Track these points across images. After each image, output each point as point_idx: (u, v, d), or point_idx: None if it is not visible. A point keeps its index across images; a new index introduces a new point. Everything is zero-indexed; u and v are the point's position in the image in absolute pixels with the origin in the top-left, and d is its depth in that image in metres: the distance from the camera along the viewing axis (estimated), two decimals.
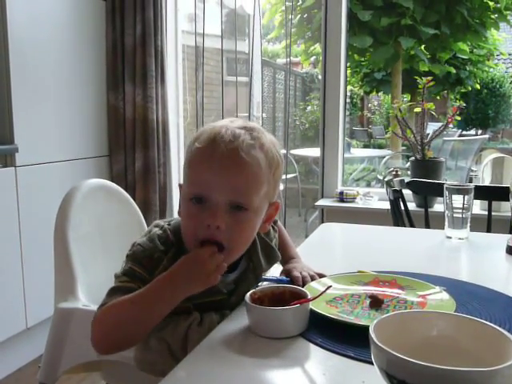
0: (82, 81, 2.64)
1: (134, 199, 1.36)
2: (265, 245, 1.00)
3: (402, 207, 2.04)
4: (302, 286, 0.93)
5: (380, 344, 0.60)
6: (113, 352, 0.87)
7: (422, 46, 7.84)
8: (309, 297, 0.85)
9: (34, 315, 2.30)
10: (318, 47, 7.85)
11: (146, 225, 1.31)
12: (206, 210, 0.84)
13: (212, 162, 0.83)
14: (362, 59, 8.74)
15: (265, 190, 0.88)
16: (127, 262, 0.90)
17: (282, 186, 4.38)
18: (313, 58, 8.82)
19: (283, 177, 4.14)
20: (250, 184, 0.85)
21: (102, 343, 0.85)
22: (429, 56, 8.00)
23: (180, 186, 0.92)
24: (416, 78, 2.58)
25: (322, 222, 2.64)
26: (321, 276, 1.01)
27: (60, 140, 2.50)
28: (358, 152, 6.67)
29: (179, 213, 0.91)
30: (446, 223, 1.45)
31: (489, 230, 1.87)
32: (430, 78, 2.51)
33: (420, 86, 2.51)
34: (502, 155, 2.52)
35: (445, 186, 1.44)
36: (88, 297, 1.07)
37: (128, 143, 2.82)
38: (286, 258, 1.09)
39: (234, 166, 0.83)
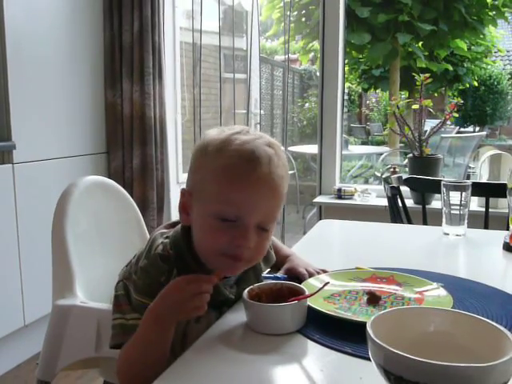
0: (79, 77, 2.63)
1: (132, 196, 1.36)
2: None
3: (400, 204, 2.04)
4: (300, 283, 0.93)
5: (377, 340, 0.60)
6: None
7: (420, 43, 7.84)
8: (306, 293, 0.85)
9: (31, 312, 2.30)
10: (316, 44, 7.84)
11: (143, 222, 1.31)
12: (235, 228, 0.82)
13: (249, 184, 0.81)
14: (360, 56, 8.74)
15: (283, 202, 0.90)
16: (135, 292, 0.87)
17: None
18: (311, 55, 8.81)
19: None
20: (279, 208, 0.86)
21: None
22: (426, 53, 8.00)
23: (186, 192, 0.88)
24: (414, 74, 2.58)
25: (320, 219, 2.64)
26: (324, 272, 1.02)
27: (58, 137, 2.50)
28: (356, 149, 6.67)
29: (185, 221, 0.88)
30: (444, 220, 1.45)
31: (486, 227, 1.88)
32: (427, 74, 2.51)
33: (418, 83, 2.51)
34: (500, 152, 2.52)
35: (442, 182, 1.45)
36: (86, 294, 1.07)
37: (126, 140, 2.82)
38: (282, 257, 1.09)
39: (269, 191, 0.83)
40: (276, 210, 0.86)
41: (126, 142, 2.82)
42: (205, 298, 0.80)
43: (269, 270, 1.05)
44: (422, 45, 7.89)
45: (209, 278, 0.82)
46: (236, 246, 0.82)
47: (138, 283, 0.87)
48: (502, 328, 0.64)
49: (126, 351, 0.84)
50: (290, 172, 5.20)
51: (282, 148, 0.92)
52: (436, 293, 0.93)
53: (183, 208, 0.88)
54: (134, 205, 1.31)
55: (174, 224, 0.96)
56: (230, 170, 0.81)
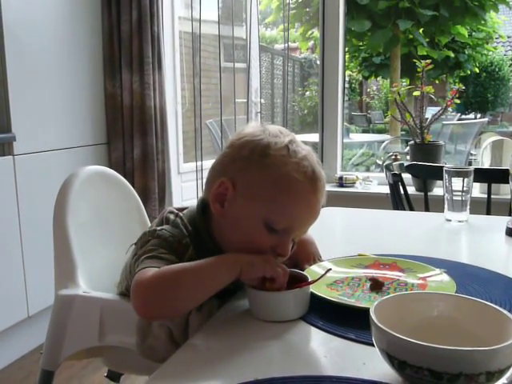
0: (78, 68, 2.62)
1: (133, 187, 1.36)
2: None
3: (402, 191, 2.04)
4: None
5: (381, 325, 0.60)
6: (156, 317, 0.83)
7: (421, 30, 7.78)
8: (309, 280, 0.85)
9: (35, 303, 2.31)
10: (316, 32, 7.79)
11: (145, 211, 1.31)
12: (278, 237, 0.86)
13: (310, 204, 0.87)
14: (361, 43, 8.69)
15: None
16: (155, 246, 0.85)
17: None
18: (311, 43, 8.76)
19: None
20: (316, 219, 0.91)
21: (150, 305, 0.79)
22: (427, 40, 7.95)
23: (228, 183, 0.86)
24: (415, 61, 2.57)
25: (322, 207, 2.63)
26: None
27: (58, 128, 2.49)
28: (357, 137, 6.65)
29: (221, 214, 0.87)
30: (446, 206, 1.45)
31: (488, 213, 1.88)
32: (428, 61, 2.49)
33: (419, 70, 2.50)
34: (502, 138, 2.51)
35: (444, 168, 1.44)
36: (88, 283, 1.07)
37: (126, 130, 2.81)
38: None
39: (317, 212, 0.89)
40: (311, 225, 0.91)
41: (127, 133, 2.81)
42: (282, 277, 0.81)
43: None
44: (423, 31, 7.83)
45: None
46: (276, 254, 0.86)
47: (161, 243, 0.85)
48: (505, 312, 0.64)
49: (169, 271, 0.79)
50: None
51: None
52: (439, 278, 0.93)
53: (218, 198, 0.87)
54: (136, 194, 1.30)
55: (180, 209, 0.96)
56: (293, 184, 0.84)
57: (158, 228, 0.89)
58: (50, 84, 2.44)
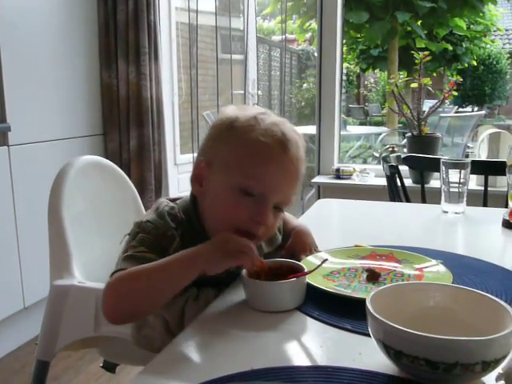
0: (74, 58, 2.60)
1: (130, 178, 1.35)
2: None
3: (399, 183, 2.04)
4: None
5: (377, 315, 0.60)
6: (123, 321, 0.84)
7: (419, 22, 7.76)
8: (305, 271, 0.85)
9: (31, 294, 2.31)
10: (313, 24, 7.76)
11: (141, 201, 1.30)
12: (256, 205, 0.84)
13: (278, 164, 0.85)
14: (358, 35, 8.65)
15: None
16: (138, 242, 0.86)
17: None
18: (308, 35, 8.72)
19: None
20: (296, 190, 0.90)
21: (114, 311, 0.81)
22: (425, 32, 7.92)
23: (203, 162, 0.88)
24: (413, 52, 2.56)
25: (319, 199, 2.63)
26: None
27: (53, 119, 2.48)
28: (355, 129, 6.64)
29: (198, 192, 0.89)
30: (443, 198, 1.45)
31: (485, 205, 1.88)
32: (426, 52, 2.48)
33: (417, 61, 2.49)
34: (499, 130, 2.51)
35: (441, 160, 1.44)
36: (83, 274, 1.06)
37: (122, 121, 2.79)
38: (288, 229, 1.08)
39: (294, 174, 0.88)
40: (294, 192, 0.89)
41: (123, 123, 2.80)
42: (251, 249, 0.80)
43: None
44: (421, 24, 7.81)
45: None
46: (255, 222, 0.85)
47: (145, 238, 0.86)
48: (501, 302, 0.64)
49: (136, 275, 0.79)
50: None
51: None
52: (435, 269, 0.93)
53: (197, 178, 0.89)
54: (131, 185, 1.30)
55: (174, 199, 0.96)
56: (261, 146, 0.84)
57: (144, 220, 0.89)
58: (45, 74, 2.42)
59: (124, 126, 2.80)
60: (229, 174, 0.85)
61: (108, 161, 1.28)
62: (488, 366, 0.56)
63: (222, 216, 0.87)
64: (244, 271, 0.85)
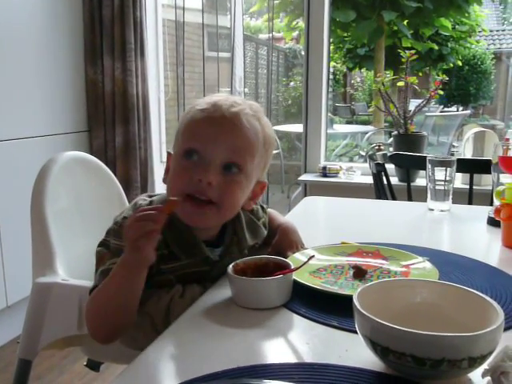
0: (58, 54, 2.56)
1: (115, 175, 1.33)
2: (250, 221, 1.00)
3: (385, 181, 2.04)
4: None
5: (364, 311, 0.60)
6: (112, 338, 0.85)
7: (405, 22, 7.80)
8: (292, 267, 0.84)
9: (14, 293, 2.27)
10: (300, 22, 7.76)
11: (126, 198, 1.29)
12: (200, 166, 0.84)
13: (213, 119, 0.85)
14: (345, 34, 8.67)
15: (257, 160, 0.90)
16: (113, 237, 0.87)
17: None
18: (295, 34, 8.72)
19: None
20: (247, 147, 0.87)
21: (98, 334, 0.85)
22: (411, 32, 7.97)
23: (169, 153, 0.93)
24: (399, 51, 2.57)
25: (305, 197, 2.63)
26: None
27: (37, 115, 2.44)
28: (341, 128, 6.65)
29: (164, 180, 0.91)
30: (429, 195, 1.45)
31: (470, 203, 1.89)
32: (413, 51, 2.50)
33: (403, 60, 2.50)
34: (484, 129, 2.53)
35: (428, 158, 1.44)
36: (67, 271, 1.05)
37: (108, 118, 2.76)
38: (274, 226, 1.08)
39: (235, 127, 0.86)
40: (245, 148, 0.87)
41: (108, 120, 2.77)
42: (144, 229, 0.77)
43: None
44: (407, 23, 7.84)
45: (156, 207, 0.80)
46: (197, 181, 0.83)
47: (120, 230, 0.87)
48: (488, 298, 0.64)
49: (96, 293, 0.83)
50: (275, 151, 5.17)
51: (267, 119, 0.94)
52: (422, 266, 0.93)
53: (166, 170, 0.92)
54: (116, 181, 1.28)
55: (151, 195, 0.96)
56: (197, 113, 0.87)
57: (122, 216, 0.89)
58: (28, 70, 2.39)
59: (109, 122, 2.77)
60: (176, 150, 0.89)
61: (92, 157, 1.27)
62: (474, 361, 0.56)
63: (172, 186, 0.88)
64: (230, 268, 0.84)
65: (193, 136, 0.87)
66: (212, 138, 0.85)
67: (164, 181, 0.91)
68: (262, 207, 1.07)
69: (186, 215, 0.86)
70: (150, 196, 0.95)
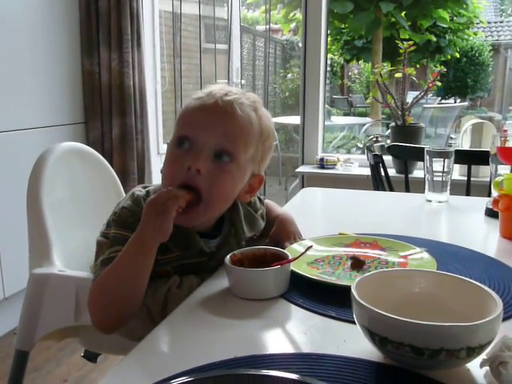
0: (54, 45, 2.54)
1: (112, 167, 1.33)
2: (248, 213, 1.00)
3: (383, 173, 2.04)
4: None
5: (362, 301, 0.60)
6: (116, 327, 0.84)
7: (403, 13, 7.77)
8: (290, 258, 0.84)
9: (11, 285, 2.27)
10: (298, 14, 7.72)
11: (122, 189, 1.28)
12: (190, 153, 0.84)
13: (206, 106, 0.85)
14: (343, 26, 8.64)
15: (252, 152, 0.88)
16: (114, 227, 0.87)
17: None
18: (293, 25, 8.68)
19: None
20: (239, 135, 0.86)
21: (102, 323, 0.84)
22: (409, 23, 7.94)
23: (169, 144, 0.92)
24: (397, 42, 2.55)
25: (303, 188, 2.63)
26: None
27: (33, 106, 2.43)
28: (338, 120, 6.64)
29: (161, 170, 0.90)
30: (427, 187, 1.45)
31: (468, 194, 1.89)
32: (411, 42, 2.48)
33: (401, 51, 2.49)
34: (482, 121, 2.52)
35: (425, 149, 1.44)
36: (63, 262, 1.04)
37: (104, 109, 2.75)
38: (271, 218, 1.07)
39: (227, 114, 0.85)
40: (237, 135, 0.85)
41: (105, 112, 2.75)
42: (170, 193, 0.80)
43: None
44: (405, 15, 7.82)
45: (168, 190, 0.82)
46: (186, 168, 0.83)
47: (119, 220, 0.87)
48: (486, 288, 0.64)
49: (103, 277, 0.82)
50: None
51: (267, 112, 0.93)
52: (419, 256, 0.93)
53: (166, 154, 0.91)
54: (113, 172, 1.27)
55: (148, 186, 0.95)
56: (192, 102, 0.87)
57: (120, 206, 0.89)
58: (25, 61, 2.37)
59: (106, 114, 2.75)
60: (173, 133, 0.89)
61: (89, 148, 1.26)
62: (473, 351, 0.56)
63: (164, 175, 0.87)
64: (227, 259, 0.84)
65: (185, 123, 0.87)
66: (203, 125, 0.84)
67: (161, 171, 0.91)
68: (260, 199, 1.06)
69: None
70: (146, 187, 0.95)
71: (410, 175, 2.12)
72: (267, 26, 4.56)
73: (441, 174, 1.42)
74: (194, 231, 0.90)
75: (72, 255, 1.09)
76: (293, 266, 0.84)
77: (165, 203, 0.78)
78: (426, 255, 0.92)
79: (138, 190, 0.92)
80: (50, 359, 2.11)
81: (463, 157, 1.86)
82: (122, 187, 1.28)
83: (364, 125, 5.94)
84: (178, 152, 0.85)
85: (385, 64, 8.56)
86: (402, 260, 0.92)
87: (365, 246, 1.00)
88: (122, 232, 0.85)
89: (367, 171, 2.30)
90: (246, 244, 0.97)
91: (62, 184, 1.15)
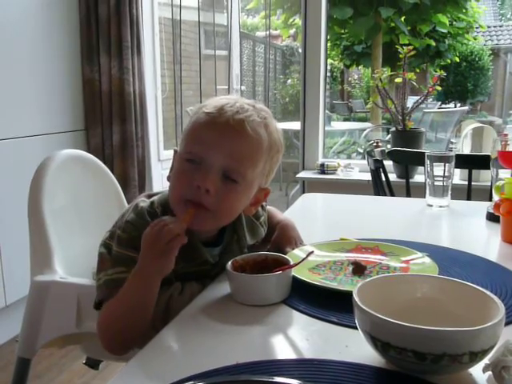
0: (55, 52, 2.55)
1: (113, 174, 1.33)
2: (250, 221, 1.00)
3: (383, 177, 2.04)
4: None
5: (364, 307, 0.59)
6: (127, 349, 0.84)
7: (402, 18, 7.80)
8: (291, 263, 0.84)
9: (12, 292, 2.27)
10: (297, 20, 7.74)
11: (123, 196, 1.28)
12: (199, 171, 0.83)
13: (217, 124, 0.83)
14: (342, 31, 8.67)
15: (260, 167, 0.88)
16: (117, 245, 0.86)
17: None
18: (292, 31, 8.71)
19: None
20: (249, 155, 0.85)
21: (112, 347, 0.85)
22: (409, 28, 7.96)
23: (175, 151, 0.91)
24: (397, 47, 2.56)
25: (304, 194, 2.63)
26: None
27: (34, 114, 2.43)
28: (339, 125, 6.65)
29: (168, 178, 0.89)
30: (427, 191, 1.45)
31: (469, 199, 1.89)
32: (411, 47, 2.49)
33: (401, 56, 2.49)
34: (482, 125, 2.52)
35: (426, 154, 1.44)
36: (65, 269, 1.04)
37: (105, 116, 2.76)
38: (273, 223, 1.07)
39: (237, 134, 0.84)
40: (246, 156, 0.85)
41: (105, 119, 2.76)
42: (172, 233, 0.79)
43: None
44: (405, 20, 7.84)
45: (174, 220, 0.81)
46: (196, 187, 0.82)
47: (123, 236, 0.86)
48: (488, 293, 0.63)
49: (109, 306, 0.82)
50: None
51: (276, 123, 0.93)
52: (421, 261, 0.93)
53: (171, 168, 0.90)
54: (114, 179, 1.27)
55: (152, 195, 0.95)
56: (203, 116, 0.85)
57: (124, 220, 0.88)
58: (25, 69, 2.38)
59: (107, 121, 2.76)
60: (180, 148, 0.88)
61: (90, 155, 1.26)
62: (475, 356, 0.56)
63: (173, 191, 0.87)
64: (229, 265, 0.84)
65: (195, 139, 0.85)
66: (213, 144, 0.83)
67: (168, 179, 0.90)
68: (262, 205, 1.06)
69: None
70: (150, 196, 0.94)
71: (410, 180, 2.12)
72: (267, 32, 4.57)
73: (441, 178, 1.43)
74: (199, 241, 0.90)
75: (73, 262, 1.09)
76: (294, 272, 0.84)
77: (168, 243, 0.78)
78: (427, 260, 0.92)
79: (142, 201, 0.91)
80: (51, 366, 2.10)
81: (464, 161, 1.86)
82: (122, 194, 1.28)
83: (364, 130, 5.94)
84: (186, 167, 0.84)
85: (385, 69, 8.57)
86: (403, 265, 0.92)
87: (366, 251, 1.00)
88: (125, 251, 0.85)
89: (368, 176, 2.30)
90: (248, 251, 0.97)
91: (63, 191, 1.16)
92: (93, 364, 1.24)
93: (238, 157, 0.84)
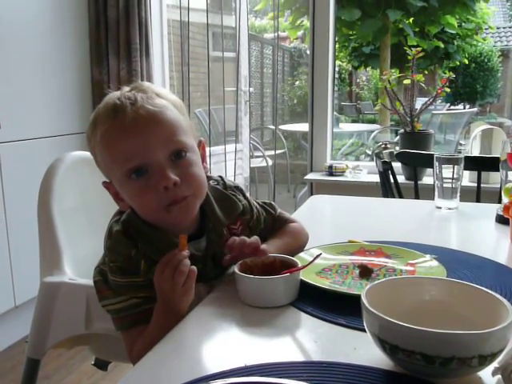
0: (64, 55, 2.57)
1: None
2: (219, 196, 0.96)
3: (392, 179, 2.03)
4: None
5: (372, 309, 0.59)
6: None
7: (411, 20, 7.77)
8: (299, 266, 0.84)
9: (22, 293, 2.28)
10: (305, 21, 7.74)
11: None
12: (153, 174, 0.81)
13: (127, 129, 0.81)
14: (351, 33, 8.65)
15: (187, 128, 0.87)
16: (111, 274, 0.86)
17: (270, 162, 4.35)
18: (300, 33, 8.71)
19: (271, 152, 4.12)
20: (174, 128, 0.84)
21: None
22: (417, 29, 7.93)
23: (107, 183, 0.89)
24: (405, 49, 2.55)
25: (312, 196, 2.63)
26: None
27: (43, 116, 2.45)
28: (347, 127, 6.63)
29: (124, 207, 0.89)
30: (436, 193, 1.44)
31: (478, 201, 1.87)
32: (419, 48, 2.48)
33: (409, 57, 2.48)
34: (491, 127, 2.51)
35: (435, 156, 1.43)
36: (74, 270, 1.05)
37: None
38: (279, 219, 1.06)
39: (149, 120, 0.82)
40: (173, 130, 0.83)
41: None
42: (185, 273, 0.78)
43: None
44: (413, 21, 7.81)
45: (175, 252, 0.80)
46: (163, 189, 0.81)
47: (112, 266, 0.86)
48: (497, 295, 0.63)
49: (143, 342, 0.81)
50: (281, 151, 5.16)
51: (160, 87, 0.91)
52: (428, 264, 0.92)
53: (116, 197, 0.89)
54: None
55: (121, 212, 0.93)
56: (107, 133, 0.82)
57: (106, 246, 0.88)
58: (35, 71, 2.40)
59: None
60: (117, 177, 0.84)
61: None
62: (485, 359, 0.55)
63: (144, 208, 0.85)
64: (236, 266, 0.84)
65: (124, 156, 0.81)
66: (140, 147, 0.81)
67: (124, 207, 0.89)
68: (237, 187, 1.02)
69: (176, 219, 0.85)
70: (118, 219, 0.91)
71: (419, 182, 2.11)
72: (275, 34, 4.57)
73: (450, 180, 1.42)
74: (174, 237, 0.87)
75: (82, 263, 1.09)
76: (302, 276, 0.84)
77: (185, 285, 0.78)
78: (434, 263, 0.92)
79: (114, 223, 0.90)
80: (60, 367, 2.12)
81: (473, 163, 1.85)
82: None
83: (373, 132, 5.92)
84: (138, 183, 0.82)
85: (393, 70, 8.53)
86: (409, 268, 0.92)
87: (370, 253, 1.00)
88: (120, 279, 0.85)
89: (376, 178, 2.30)
90: (230, 234, 0.94)
91: (72, 192, 1.16)
92: (101, 365, 1.24)
93: (167, 137, 0.83)
